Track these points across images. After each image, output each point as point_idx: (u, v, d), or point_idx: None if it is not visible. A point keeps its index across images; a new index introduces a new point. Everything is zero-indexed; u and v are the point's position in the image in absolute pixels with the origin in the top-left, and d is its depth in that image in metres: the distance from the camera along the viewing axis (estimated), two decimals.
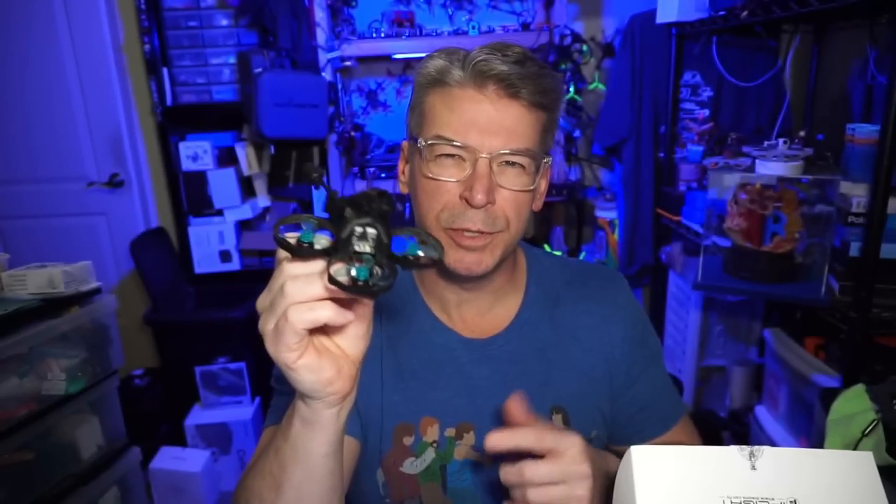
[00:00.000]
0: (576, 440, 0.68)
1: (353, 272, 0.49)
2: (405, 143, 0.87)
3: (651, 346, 0.95)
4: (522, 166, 0.79)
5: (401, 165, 0.89)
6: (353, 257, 0.50)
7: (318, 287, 0.51)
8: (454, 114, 0.78)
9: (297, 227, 0.53)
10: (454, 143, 0.77)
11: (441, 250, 0.54)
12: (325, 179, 0.50)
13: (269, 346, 0.54)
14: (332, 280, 0.49)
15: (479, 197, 0.76)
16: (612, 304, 0.93)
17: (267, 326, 0.53)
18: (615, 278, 0.97)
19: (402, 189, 0.89)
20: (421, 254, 0.54)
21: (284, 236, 0.52)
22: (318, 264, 0.52)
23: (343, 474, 0.71)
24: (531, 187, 0.80)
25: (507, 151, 0.77)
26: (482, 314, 0.91)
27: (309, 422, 0.60)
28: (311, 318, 0.52)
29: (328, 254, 0.51)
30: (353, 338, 0.58)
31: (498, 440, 0.68)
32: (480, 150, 0.76)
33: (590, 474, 0.67)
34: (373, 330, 0.90)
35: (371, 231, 0.50)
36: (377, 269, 0.50)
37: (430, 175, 0.79)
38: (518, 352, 0.90)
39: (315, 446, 0.61)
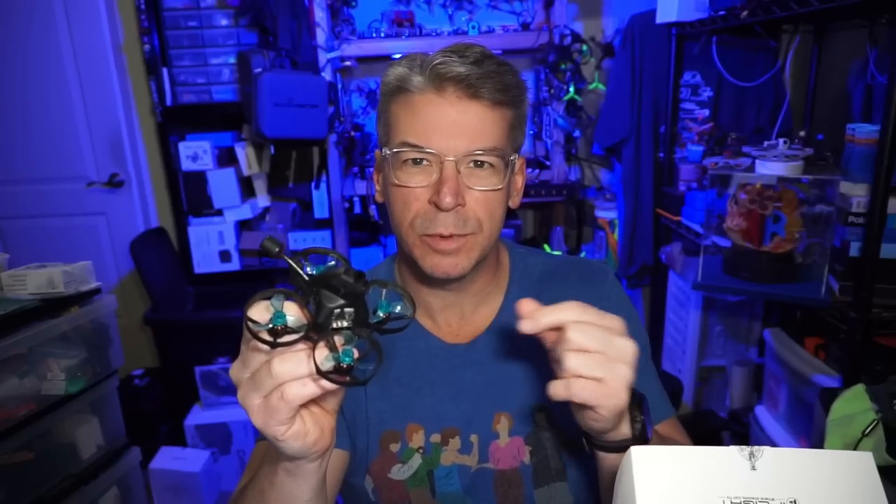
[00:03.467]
0: (621, 320, 0.62)
1: (338, 358, 0.50)
2: (378, 153, 0.87)
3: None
4: (491, 165, 0.79)
5: (375, 175, 0.89)
6: (332, 336, 0.50)
7: (309, 366, 0.51)
8: (416, 120, 0.77)
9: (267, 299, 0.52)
10: (419, 148, 0.77)
11: (412, 306, 0.54)
12: (287, 250, 0.49)
13: (257, 420, 0.53)
14: (319, 372, 0.50)
15: (448, 200, 0.75)
16: (594, 296, 0.90)
17: (252, 401, 0.53)
18: (599, 270, 0.95)
19: (378, 198, 0.88)
20: (398, 309, 0.54)
21: (258, 330, 0.50)
22: (301, 347, 0.52)
23: (328, 496, 0.72)
24: (500, 186, 0.80)
25: (472, 152, 0.77)
26: (465, 317, 0.91)
27: (293, 473, 0.61)
28: (307, 394, 0.52)
29: (307, 337, 0.51)
30: (331, 393, 0.58)
31: (541, 313, 0.60)
32: (446, 154, 0.76)
33: (635, 354, 0.61)
34: None
35: (349, 310, 0.51)
36: (358, 343, 0.51)
37: (399, 183, 0.79)
38: (500, 353, 0.89)
39: (300, 493, 0.63)
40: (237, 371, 0.55)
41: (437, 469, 0.88)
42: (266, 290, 0.51)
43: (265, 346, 0.51)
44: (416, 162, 0.78)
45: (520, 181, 0.87)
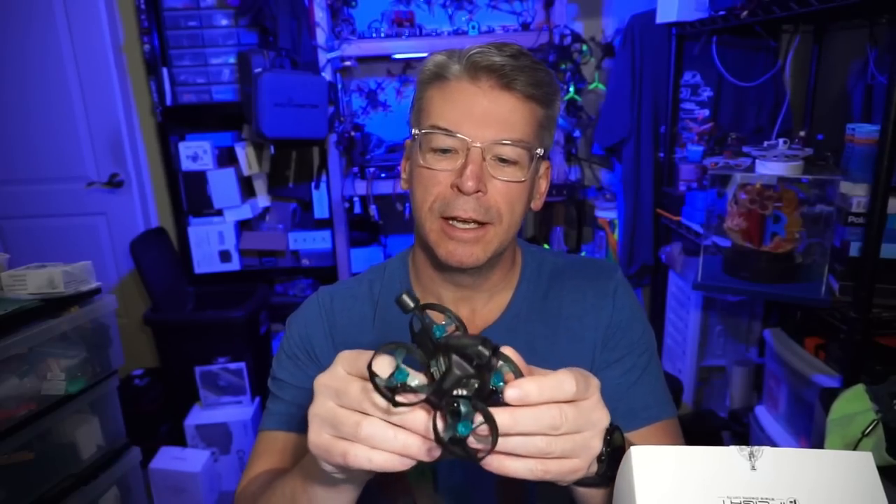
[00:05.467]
0: (596, 381, 0.55)
1: (456, 428, 0.48)
2: (408, 142, 0.88)
3: (636, 336, 0.90)
4: (516, 158, 0.79)
5: (403, 163, 0.90)
6: (453, 403, 0.48)
7: (408, 436, 0.50)
8: (449, 105, 0.79)
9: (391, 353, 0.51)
10: (448, 132, 0.78)
11: (515, 366, 0.52)
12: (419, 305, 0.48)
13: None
14: (438, 440, 0.48)
15: (469, 183, 0.76)
16: (601, 294, 0.91)
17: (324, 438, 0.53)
18: (608, 269, 0.95)
19: (403, 186, 0.90)
20: (509, 379, 0.51)
21: (382, 385, 0.48)
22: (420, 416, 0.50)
23: None
24: (523, 179, 0.80)
25: (499, 141, 0.78)
26: (476, 311, 0.91)
27: (335, 487, 0.63)
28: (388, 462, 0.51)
29: (427, 400, 0.49)
30: None
31: (531, 390, 0.50)
32: (473, 140, 0.77)
33: (606, 423, 0.56)
34: (366, 329, 0.90)
35: (474, 382, 0.49)
36: (474, 418, 0.49)
37: (425, 164, 0.80)
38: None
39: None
40: (323, 418, 0.53)
41: (440, 462, 0.88)
42: (392, 342, 0.50)
43: (381, 401, 0.49)
44: (444, 151, 0.79)
45: (543, 185, 0.88)
